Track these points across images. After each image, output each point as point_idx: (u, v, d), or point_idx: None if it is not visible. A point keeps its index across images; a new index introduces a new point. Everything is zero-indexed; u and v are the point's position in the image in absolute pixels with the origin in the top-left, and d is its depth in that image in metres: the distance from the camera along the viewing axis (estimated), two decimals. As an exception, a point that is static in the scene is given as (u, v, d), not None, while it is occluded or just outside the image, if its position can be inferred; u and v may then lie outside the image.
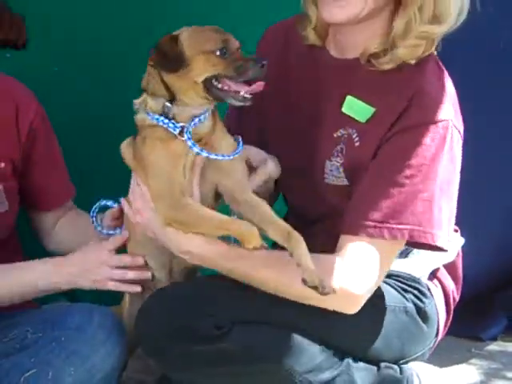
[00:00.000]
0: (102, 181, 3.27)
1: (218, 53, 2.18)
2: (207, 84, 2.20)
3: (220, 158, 2.26)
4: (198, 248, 2.25)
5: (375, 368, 2.42)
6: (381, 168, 2.27)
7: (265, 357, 2.25)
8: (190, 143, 2.23)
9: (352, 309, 2.28)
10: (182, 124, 2.24)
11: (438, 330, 2.55)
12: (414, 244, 2.33)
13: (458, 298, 2.66)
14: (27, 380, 2.15)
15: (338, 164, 2.37)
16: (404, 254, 2.54)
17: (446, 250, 2.33)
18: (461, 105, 2.38)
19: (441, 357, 2.76)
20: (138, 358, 2.63)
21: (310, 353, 2.29)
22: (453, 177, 2.33)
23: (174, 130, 2.24)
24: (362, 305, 2.28)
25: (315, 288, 2.10)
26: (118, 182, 3.26)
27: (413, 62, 2.32)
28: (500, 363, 3.21)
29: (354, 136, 2.35)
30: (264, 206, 2.26)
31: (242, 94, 2.20)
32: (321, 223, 2.45)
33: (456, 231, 2.65)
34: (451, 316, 2.62)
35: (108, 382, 2.30)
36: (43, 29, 3.09)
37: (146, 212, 2.31)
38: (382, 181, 2.25)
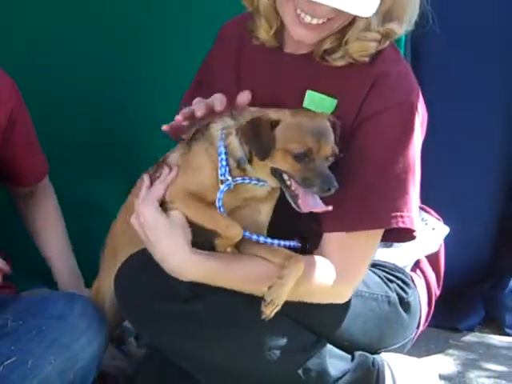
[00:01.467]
0: (86, 166, 3.25)
1: (295, 157, 2.12)
2: (275, 171, 2.17)
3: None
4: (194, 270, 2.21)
5: (349, 357, 2.43)
6: (352, 162, 2.25)
7: (235, 322, 2.25)
8: (219, 195, 2.20)
9: (340, 301, 2.33)
10: (229, 178, 2.20)
11: (419, 321, 2.56)
12: (390, 237, 2.33)
13: (438, 292, 2.67)
14: (6, 368, 2.11)
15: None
16: (388, 244, 2.55)
17: (415, 237, 2.33)
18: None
19: (418, 347, 2.77)
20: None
21: (282, 329, 2.29)
22: (417, 159, 2.32)
23: (221, 175, 2.20)
24: (350, 295, 2.31)
25: (263, 302, 2.16)
26: (99, 168, 3.27)
27: (366, 59, 2.29)
28: (477, 354, 3.22)
29: None
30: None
31: (299, 202, 2.15)
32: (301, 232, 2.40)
33: (439, 220, 2.67)
34: (432, 308, 2.64)
35: (88, 371, 2.28)
36: (20, 15, 3.09)
37: (147, 209, 2.26)
38: (353, 175, 2.24)
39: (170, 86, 3.13)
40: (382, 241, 2.36)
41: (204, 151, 2.24)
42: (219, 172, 2.20)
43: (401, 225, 2.25)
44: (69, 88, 3.17)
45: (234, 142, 2.21)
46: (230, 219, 2.21)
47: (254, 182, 2.22)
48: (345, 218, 2.25)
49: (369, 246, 2.31)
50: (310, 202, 2.13)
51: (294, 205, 2.16)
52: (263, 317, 2.17)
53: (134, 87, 3.20)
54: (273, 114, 2.18)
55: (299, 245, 2.29)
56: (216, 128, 2.25)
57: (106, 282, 2.48)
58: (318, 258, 2.27)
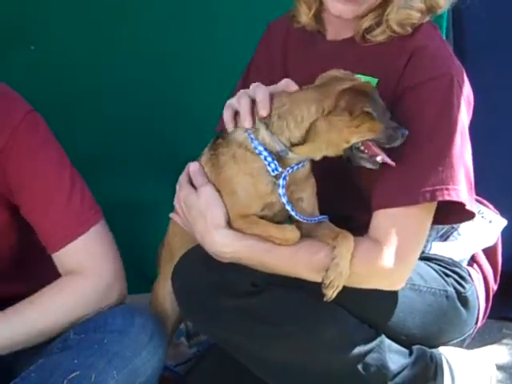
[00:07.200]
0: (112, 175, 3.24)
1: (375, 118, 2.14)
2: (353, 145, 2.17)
3: (300, 219, 2.22)
4: (229, 247, 2.20)
5: (407, 351, 2.40)
6: None
7: (296, 318, 2.23)
8: (281, 191, 2.18)
9: (397, 285, 2.27)
10: (281, 169, 2.18)
11: (477, 317, 2.52)
12: (443, 217, 2.29)
13: (496, 287, 2.63)
14: (70, 382, 2.11)
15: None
16: (444, 237, 2.52)
17: (473, 214, 2.28)
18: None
19: (472, 338, 2.74)
20: (173, 347, 2.66)
21: (342, 324, 2.27)
22: (465, 134, 2.28)
23: (273, 171, 2.17)
24: (407, 279, 2.26)
25: (323, 284, 2.16)
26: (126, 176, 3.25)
27: (409, 29, 2.29)
28: (532, 343, 3.20)
29: None
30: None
31: (378, 159, 2.16)
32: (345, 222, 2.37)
33: (496, 213, 2.62)
34: (490, 303, 2.60)
35: (149, 385, 2.28)
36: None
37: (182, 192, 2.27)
38: (395, 150, 2.20)
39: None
40: (440, 224, 2.35)
41: (232, 160, 2.20)
42: (269, 169, 2.17)
43: (447, 197, 2.20)
44: (118, 89, 3.18)
45: (266, 136, 2.17)
46: (281, 225, 2.21)
47: (300, 165, 2.20)
48: (389, 193, 2.22)
49: (419, 223, 2.25)
50: (386, 158, 2.16)
51: (368, 164, 2.17)
52: (325, 299, 2.16)
53: (191, 89, 3.21)
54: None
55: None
56: (239, 132, 2.21)
57: (165, 286, 2.46)
58: (366, 238, 2.24)
